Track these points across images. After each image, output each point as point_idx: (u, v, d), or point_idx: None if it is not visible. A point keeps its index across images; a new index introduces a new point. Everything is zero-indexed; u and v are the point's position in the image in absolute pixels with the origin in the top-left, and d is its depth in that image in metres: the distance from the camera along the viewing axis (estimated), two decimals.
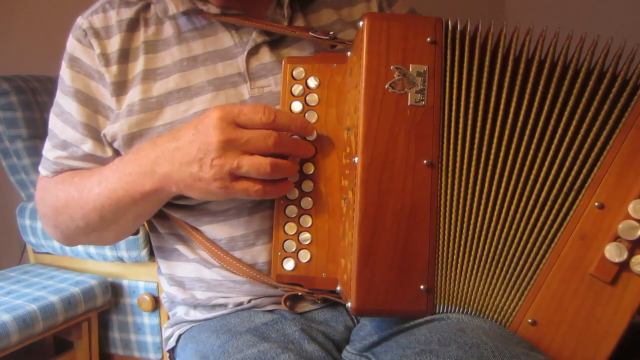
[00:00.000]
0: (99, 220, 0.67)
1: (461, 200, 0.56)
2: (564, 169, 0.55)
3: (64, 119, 0.71)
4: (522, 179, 0.56)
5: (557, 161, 0.55)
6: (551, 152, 0.55)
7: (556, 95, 0.55)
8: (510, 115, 0.56)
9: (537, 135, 0.56)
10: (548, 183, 0.55)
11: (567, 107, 0.55)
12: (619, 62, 0.55)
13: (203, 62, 0.68)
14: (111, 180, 0.63)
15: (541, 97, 0.56)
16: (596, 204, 0.54)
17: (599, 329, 0.54)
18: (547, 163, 0.55)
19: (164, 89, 0.66)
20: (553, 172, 0.55)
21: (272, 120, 0.57)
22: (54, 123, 0.73)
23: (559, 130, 0.55)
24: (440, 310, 0.57)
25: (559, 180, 0.55)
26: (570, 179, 0.55)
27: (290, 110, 0.63)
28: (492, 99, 0.56)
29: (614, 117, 0.54)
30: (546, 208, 0.55)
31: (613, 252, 0.53)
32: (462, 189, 0.56)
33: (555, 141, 0.55)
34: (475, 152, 0.55)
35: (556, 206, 0.55)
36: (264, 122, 0.56)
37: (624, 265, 0.53)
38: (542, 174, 0.55)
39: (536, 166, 0.55)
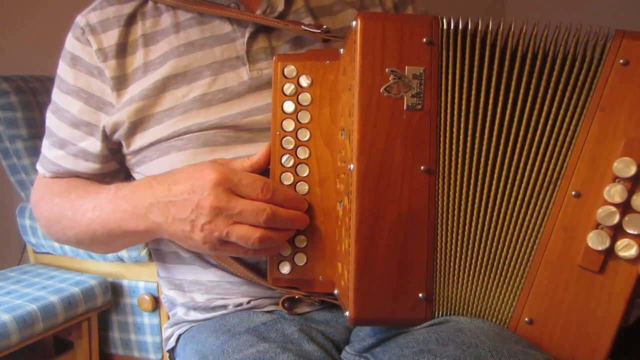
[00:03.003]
0: (89, 241, 0.68)
1: (460, 207, 0.55)
2: (538, 162, 0.54)
3: (60, 117, 0.72)
4: (510, 179, 0.55)
5: (532, 155, 0.54)
6: (531, 148, 0.54)
7: (537, 88, 0.54)
8: (507, 117, 0.55)
9: (522, 132, 0.54)
10: (532, 180, 0.54)
11: (538, 97, 0.54)
12: (577, 45, 0.54)
13: (200, 47, 0.67)
14: (105, 210, 0.63)
15: (524, 93, 0.54)
16: (573, 193, 0.53)
17: (596, 320, 0.53)
18: (530, 160, 0.54)
19: (161, 75, 0.66)
20: (535, 167, 0.54)
21: (268, 199, 0.56)
22: (51, 121, 0.73)
23: (532, 123, 0.54)
24: (439, 316, 0.56)
25: (540, 175, 0.54)
26: (548, 172, 0.54)
27: (283, 111, 0.62)
28: (491, 101, 0.54)
29: (580, 102, 0.53)
30: (531, 205, 0.55)
31: (595, 241, 0.52)
32: (462, 195, 0.55)
33: (530, 135, 0.54)
34: (475, 157, 0.55)
35: (538, 202, 0.54)
36: (261, 199, 0.56)
37: (610, 252, 0.52)
38: (527, 172, 0.55)
39: (522, 165, 0.55)
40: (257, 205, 0.56)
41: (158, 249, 0.75)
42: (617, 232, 0.52)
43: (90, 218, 0.65)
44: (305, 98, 0.61)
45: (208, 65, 0.67)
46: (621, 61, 0.52)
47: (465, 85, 0.54)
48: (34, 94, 1.63)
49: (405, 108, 0.53)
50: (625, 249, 0.51)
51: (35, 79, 1.69)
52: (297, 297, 0.65)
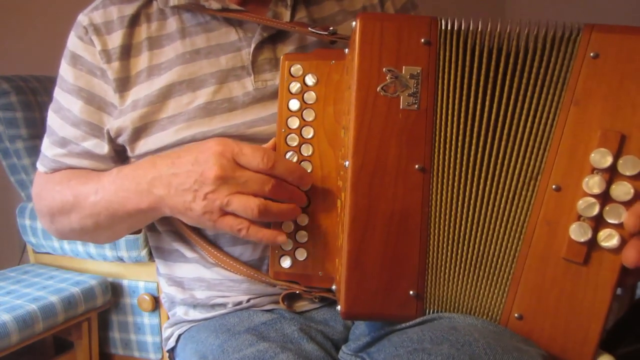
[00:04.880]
0: (93, 226, 0.68)
1: (452, 205, 0.56)
2: (520, 159, 0.55)
3: (62, 116, 0.72)
4: (496, 177, 0.55)
5: (515, 152, 0.55)
6: (514, 145, 0.55)
7: (519, 85, 0.55)
8: (493, 115, 0.55)
9: (506, 129, 0.55)
10: (515, 177, 0.55)
11: (520, 94, 0.55)
12: (553, 41, 0.54)
13: (206, 55, 0.68)
14: (108, 192, 0.64)
15: (508, 91, 0.55)
16: (553, 187, 0.53)
17: (584, 311, 0.53)
18: (514, 157, 0.55)
19: (166, 81, 0.67)
20: (518, 164, 0.55)
21: (270, 167, 0.57)
22: (53, 120, 0.73)
23: (515, 120, 0.55)
24: (430, 314, 0.57)
25: (522, 172, 0.55)
26: (529, 167, 0.54)
27: (288, 109, 0.62)
28: (479, 100, 0.55)
29: (556, 97, 0.54)
30: (514, 201, 0.55)
31: (578, 232, 0.52)
32: (455, 194, 0.55)
33: (513, 132, 0.55)
34: (465, 156, 0.55)
35: (521, 197, 0.55)
36: (262, 168, 0.57)
37: (593, 243, 0.52)
38: (511, 169, 0.55)
39: (506, 162, 0.55)
40: (263, 175, 0.56)
41: (160, 246, 0.75)
42: (598, 222, 0.52)
43: (93, 201, 0.65)
44: (310, 96, 0.62)
45: (213, 73, 0.67)
46: (592, 54, 0.52)
47: (459, 85, 0.55)
48: (34, 94, 1.64)
49: (401, 107, 0.54)
50: (607, 239, 0.52)
51: (35, 79, 1.69)
52: (297, 292, 0.65)
